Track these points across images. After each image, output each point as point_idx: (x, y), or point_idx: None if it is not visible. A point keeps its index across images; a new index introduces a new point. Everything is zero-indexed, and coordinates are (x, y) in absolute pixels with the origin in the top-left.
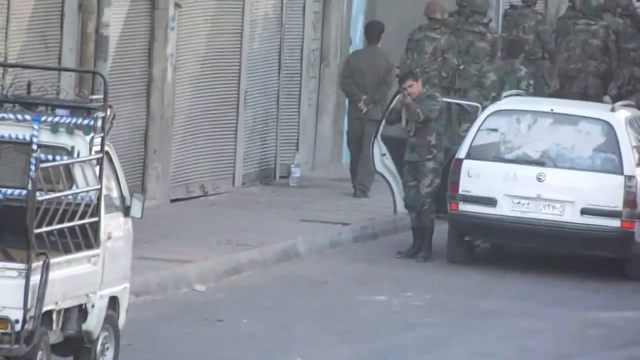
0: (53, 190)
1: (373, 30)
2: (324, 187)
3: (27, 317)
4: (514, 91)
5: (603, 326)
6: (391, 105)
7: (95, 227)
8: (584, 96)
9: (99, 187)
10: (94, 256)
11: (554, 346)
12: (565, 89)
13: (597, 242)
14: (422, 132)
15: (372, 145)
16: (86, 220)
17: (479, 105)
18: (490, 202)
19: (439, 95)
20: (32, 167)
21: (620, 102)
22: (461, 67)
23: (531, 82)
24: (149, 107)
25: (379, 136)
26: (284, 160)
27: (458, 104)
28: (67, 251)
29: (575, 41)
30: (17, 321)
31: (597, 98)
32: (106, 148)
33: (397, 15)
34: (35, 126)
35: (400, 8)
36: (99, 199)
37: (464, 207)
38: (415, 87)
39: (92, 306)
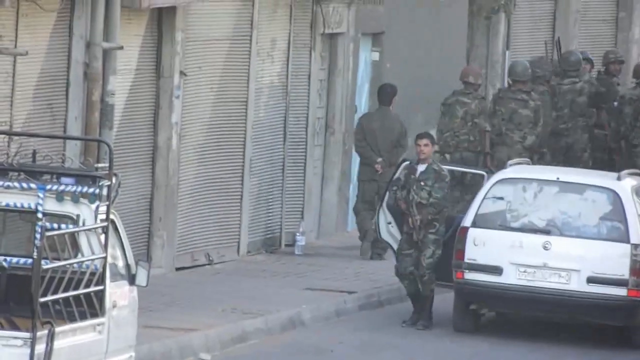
0: (58, 259)
1: (386, 94)
2: (329, 256)
3: None
4: (519, 159)
5: None
6: (395, 175)
7: (101, 295)
8: (569, 150)
9: (104, 255)
10: (99, 325)
11: None
12: (552, 145)
13: (604, 311)
14: (422, 209)
15: (378, 213)
16: (91, 289)
17: (484, 173)
18: (496, 270)
19: (445, 170)
20: (38, 236)
21: (626, 171)
22: (487, 129)
23: None
24: (154, 175)
25: (384, 204)
26: (289, 229)
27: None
28: (72, 320)
29: (563, 101)
30: None
31: (584, 152)
32: (111, 216)
33: (403, 83)
34: (41, 194)
35: (406, 76)
36: (104, 267)
37: (470, 276)
38: (428, 149)
39: None
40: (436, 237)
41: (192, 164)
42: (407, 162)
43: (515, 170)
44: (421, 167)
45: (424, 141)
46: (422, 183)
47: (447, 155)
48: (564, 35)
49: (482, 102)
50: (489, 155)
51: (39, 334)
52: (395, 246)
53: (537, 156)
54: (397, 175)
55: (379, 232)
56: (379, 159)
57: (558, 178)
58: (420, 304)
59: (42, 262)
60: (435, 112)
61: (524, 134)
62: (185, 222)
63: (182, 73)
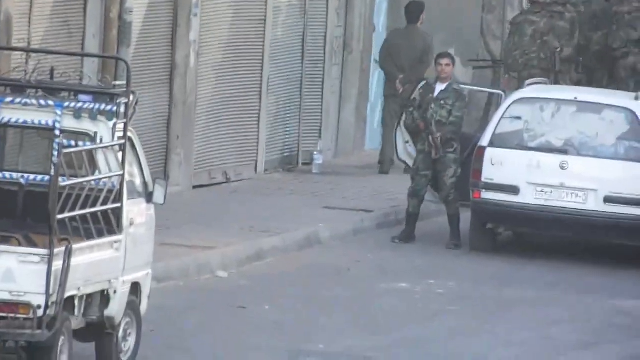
0: (76, 176)
1: (413, 11)
2: (346, 174)
3: (50, 303)
4: (537, 79)
5: (628, 315)
6: (413, 96)
7: (118, 213)
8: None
9: (121, 173)
10: (116, 242)
11: (578, 335)
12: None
13: (621, 231)
14: (441, 127)
15: (395, 132)
16: (109, 206)
17: (502, 92)
18: (513, 190)
19: (465, 90)
20: (55, 153)
21: None
22: (558, 49)
23: None
24: (171, 94)
25: (402, 124)
26: (306, 148)
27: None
28: (90, 237)
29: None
30: (39, 306)
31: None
32: (129, 134)
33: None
34: (58, 112)
35: None
36: (121, 185)
37: (487, 195)
38: (450, 68)
39: (115, 292)
40: (456, 156)
41: (210, 83)
42: (424, 82)
43: (533, 89)
44: (440, 87)
45: (445, 60)
46: (442, 102)
47: (515, 74)
48: None
49: (551, 21)
50: (559, 74)
51: (56, 250)
52: (412, 165)
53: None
54: (413, 95)
55: (397, 152)
56: (400, 76)
57: (576, 98)
58: (414, 223)
59: (60, 179)
60: (453, 33)
61: (562, 45)
62: (202, 141)
63: None
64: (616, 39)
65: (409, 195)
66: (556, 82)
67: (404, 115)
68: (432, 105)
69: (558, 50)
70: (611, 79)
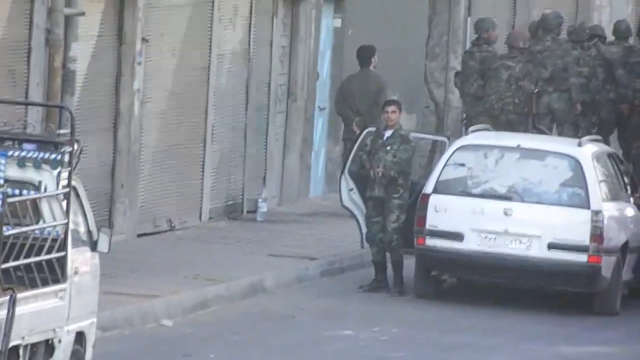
0: (20, 225)
1: (364, 54)
2: (291, 222)
3: None
4: (481, 126)
5: None
6: (356, 145)
7: (62, 261)
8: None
9: (66, 221)
10: (60, 291)
11: None
12: None
13: (564, 277)
14: (386, 170)
15: (340, 180)
16: (53, 255)
17: (445, 140)
18: (458, 236)
19: (410, 135)
20: None
21: (587, 137)
22: (536, 91)
23: None
24: (116, 142)
25: (346, 171)
26: (251, 195)
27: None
28: (34, 286)
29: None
30: None
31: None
32: (73, 182)
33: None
34: (2, 161)
35: (368, 43)
36: (66, 233)
37: (431, 242)
38: (396, 116)
39: (59, 341)
40: (400, 202)
41: (154, 131)
42: (371, 129)
43: (477, 136)
44: (388, 133)
45: (392, 108)
46: (388, 147)
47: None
48: (525, 2)
49: (527, 65)
50: (536, 117)
51: (0, 299)
52: (356, 213)
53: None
54: (360, 141)
55: (341, 199)
56: (357, 119)
57: (519, 145)
58: (383, 270)
59: (4, 228)
60: (397, 80)
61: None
62: (147, 189)
63: (144, 39)
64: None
65: (367, 243)
66: (533, 126)
67: (349, 162)
68: (380, 152)
69: (536, 91)
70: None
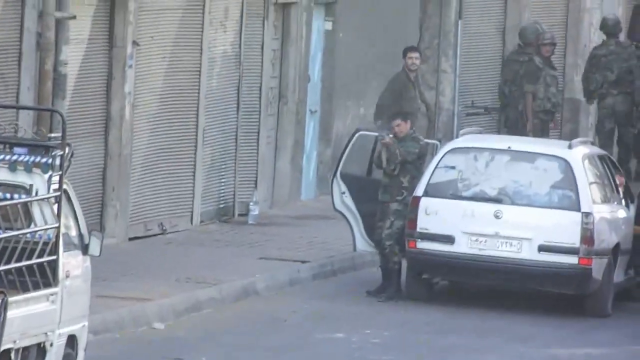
0: (11, 229)
1: None
2: (282, 225)
3: None
4: (471, 129)
5: None
6: (347, 149)
7: (54, 265)
8: None
9: (57, 225)
10: (52, 294)
11: None
12: None
13: (555, 279)
14: (397, 172)
15: (332, 183)
16: (44, 259)
17: (437, 142)
18: (448, 239)
19: (422, 138)
20: None
21: (578, 139)
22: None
23: None
24: (107, 145)
25: (338, 174)
26: (242, 198)
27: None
28: (25, 290)
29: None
30: None
31: None
32: (64, 186)
33: (355, 53)
34: None
35: (359, 45)
36: (57, 237)
37: (422, 245)
38: (403, 127)
39: (51, 345)
40: (398, 208)
41: (145, 134)
42: (363, 132)
43: (467, 139)
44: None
45: (397, 122)
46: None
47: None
48: (516, 5)
49: (530, 64)
50: (529, 120)
51: None
52: (348, 216)
53: None
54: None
55: (333, 203)
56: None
57: (509, 147)
58: (387, 276)
59: None
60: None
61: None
62: (138, 192)
63: (134, 43)
64: (592, 81)
65: (377, 248)
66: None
67: (340, 166)
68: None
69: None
70: None
